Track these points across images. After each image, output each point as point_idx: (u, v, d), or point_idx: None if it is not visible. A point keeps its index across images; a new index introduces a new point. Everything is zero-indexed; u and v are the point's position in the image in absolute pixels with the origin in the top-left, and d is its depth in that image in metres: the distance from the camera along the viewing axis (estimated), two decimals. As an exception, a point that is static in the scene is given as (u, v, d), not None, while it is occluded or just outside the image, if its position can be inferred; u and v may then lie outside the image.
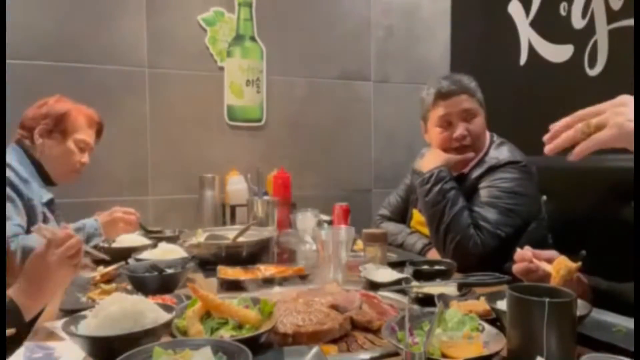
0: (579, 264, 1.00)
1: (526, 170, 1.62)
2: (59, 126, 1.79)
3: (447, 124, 1.69)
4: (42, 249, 1.07)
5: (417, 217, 1.84)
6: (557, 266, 1.01)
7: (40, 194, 1.70)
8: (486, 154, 1.69)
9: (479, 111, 1.69)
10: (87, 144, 1.85)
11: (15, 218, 1.55)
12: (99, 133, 1.93)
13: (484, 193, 1.59)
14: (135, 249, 1.55)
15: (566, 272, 0.99)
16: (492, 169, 1.62)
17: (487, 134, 1.74)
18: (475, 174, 1.65)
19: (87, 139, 1.85)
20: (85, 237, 1.66)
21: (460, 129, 1.66)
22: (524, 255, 1.07)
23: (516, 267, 1.08)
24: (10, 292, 0.98)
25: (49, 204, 1.73)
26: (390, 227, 1.91)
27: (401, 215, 1.98)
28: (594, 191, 1.66)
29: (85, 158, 1.86)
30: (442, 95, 1.68)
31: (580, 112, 0.89)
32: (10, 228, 1.49)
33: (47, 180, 1.80)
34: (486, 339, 0.80)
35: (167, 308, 0.89)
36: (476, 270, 1.25)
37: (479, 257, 1.48)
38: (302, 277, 1.31)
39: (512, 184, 1.57)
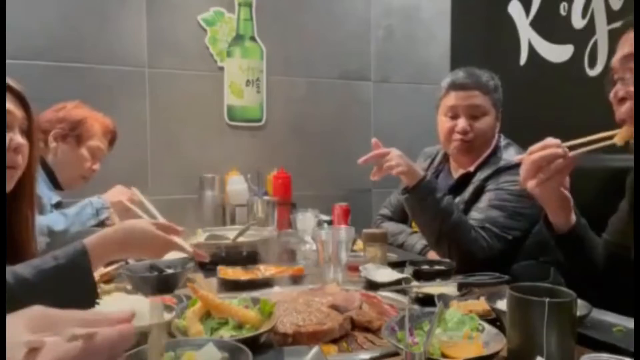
0: None
1: None
2: (74, 131, 1.82)
3: (453, 114, 1.69)
4: (160, 233, 1.05)
5: (418, 217, 1.84)
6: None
7: (49, 195, 1.74)
8: (495, 154, 1.68)
9: (490, 110, 1.67)
10: (100, 151, 1.90)
11: None
12: (112, 142, 1.97)
13: (491, 195, 1.58)
14: (135, 249, 1.55)
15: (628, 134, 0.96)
16: (500, 170, 1.61)
17: (496, 136, 1.73)
18: (484, 174, 1.64)
19: (100, 146, 1.89)
20: (94, 210, 1.73)
21: (463, 123, 1.65)
22: (550, 142, 1.02)
23: (540, 154, 1.03)
24: (87, 241, 0.95)
25: (57, 206, 1.76)
26: (391, 227, 1.90)
27: (402, 215, 1.97)
28: (595, 191, 1.66)
29: (96, 165, 1.90)
30: (454, 86, 1.69)
31: None
32: None
33: (55, 184, 1.84)
34: (486, 339, 0.80)
35: (167, 308, 0.89)
36: (481, 271, 1.24)
37: (486, 260, 1.46)
38: (302, 277, 1.31)
39: (520, 186, 1.56)
